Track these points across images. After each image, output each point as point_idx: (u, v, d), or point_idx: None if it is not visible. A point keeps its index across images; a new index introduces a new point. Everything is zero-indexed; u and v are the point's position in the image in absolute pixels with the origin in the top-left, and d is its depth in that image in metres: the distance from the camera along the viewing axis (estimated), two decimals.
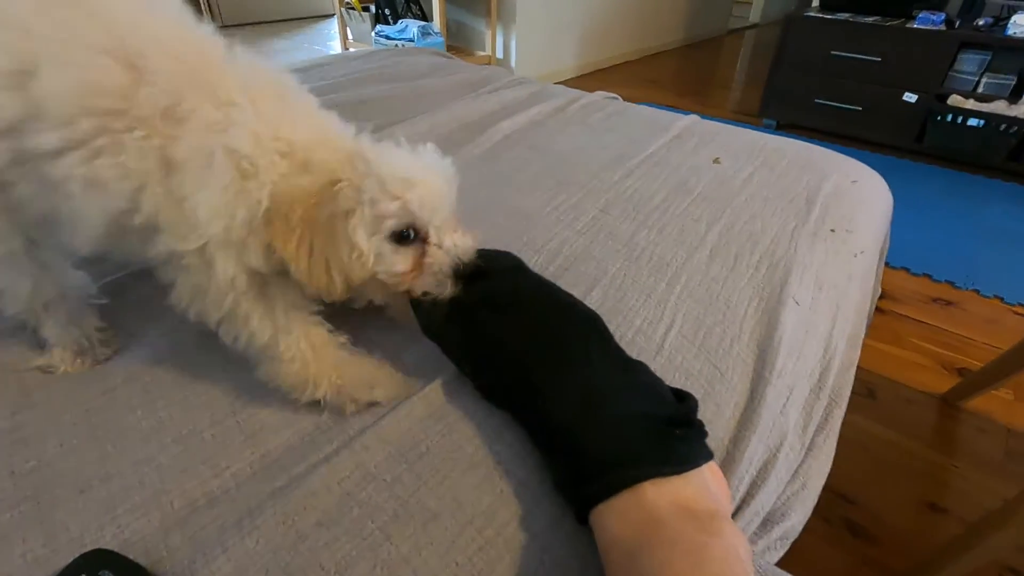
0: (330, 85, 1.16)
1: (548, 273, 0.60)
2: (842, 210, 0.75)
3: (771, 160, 0.88)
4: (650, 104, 1.23)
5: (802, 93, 2.55)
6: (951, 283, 1.55)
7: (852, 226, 0.73)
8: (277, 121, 0.40)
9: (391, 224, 0.40)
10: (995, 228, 1.85)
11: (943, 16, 2.20)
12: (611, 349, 0.43)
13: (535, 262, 0.62)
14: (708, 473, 0.36)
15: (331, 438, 0.41)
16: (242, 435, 0.42)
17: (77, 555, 0.33)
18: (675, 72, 3.78)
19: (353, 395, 0.43)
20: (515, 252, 0.62)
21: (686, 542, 0.30)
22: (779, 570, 0.39)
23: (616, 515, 0.33)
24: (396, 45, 2.63)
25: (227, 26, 4.42)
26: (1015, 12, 2.07)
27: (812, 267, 0.63)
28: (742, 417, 0.46)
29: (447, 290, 0.42)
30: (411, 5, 3.00)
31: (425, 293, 0.43)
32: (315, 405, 0.44)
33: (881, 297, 1.28)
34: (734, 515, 0.42)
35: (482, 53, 3.08)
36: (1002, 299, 1.49)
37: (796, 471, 0.49)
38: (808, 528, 0.48)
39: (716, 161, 0.87)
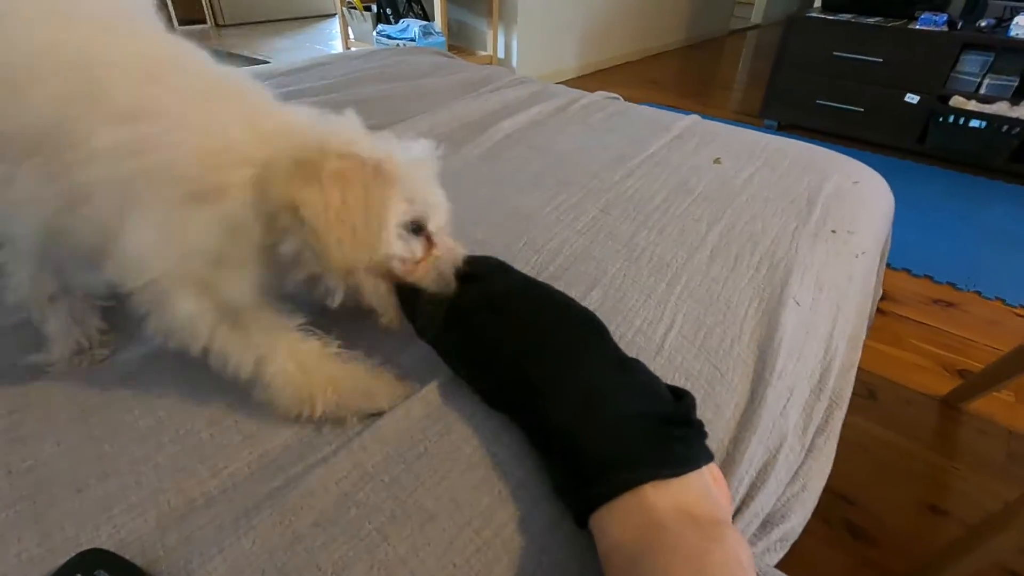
0: (331, 84, 1.16)
1: (548, 273, 0.60)
2: (843, 211, 0.75)
3: (772, 160, 0.88)
4: (651, 104, 1.23)
5: (804, 94, 2.55)
6: (952, 285, 1.54)
7: (853, 227, 0.73)
8: (243, 123, 0.37)
9: (412, 212, 0.40)
10: (997, 230, 1.84)
11: (945, 17, 2.20)
12: (608, 348, 0.42)
13: (535, 262, 0.61)
14: (709, 476, 0.35)
15: (329, 439, 0.41)
16: (240, 435, 0.41)
17: (73, 554, 0.33)
18: (676, 72, 3.77)
19: (352, 407, 0.42)
20: (515, 252, 0.63)
21: (688, 548, 0.29)
22: (779, 572, 0.39)
23: (617, 519, 0.32)
24: (397, 44, 2.63)
25: (228, 25, 4.43)
26: (1018, 13, 2.07)
27: (813, 268, 0.63)
28: (742, 418, 0.46)
29: (450, 287, 0.42)
30: (413, 5, 3.00)
31: (420, 294, 0.43)
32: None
33: (882, 298, 1.28)
34: (734, 516, 0.42)
35: (483, 53, 3.08)
36: (1004, 301, 1.48)
37: (796, 472, 0.48)
38: (808, 530, 0.47)
39: (717, 161, 0.87)
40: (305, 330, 0.44)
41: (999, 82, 2.12)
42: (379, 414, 0.43)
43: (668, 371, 0.48)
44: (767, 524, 0.46)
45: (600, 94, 1.17)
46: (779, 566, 0.45)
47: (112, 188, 0.33)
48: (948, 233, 1.80)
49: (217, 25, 4.40)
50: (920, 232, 1.78)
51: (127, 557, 0.33)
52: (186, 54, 0.41)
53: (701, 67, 3.96)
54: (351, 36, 3.25)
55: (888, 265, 1.10)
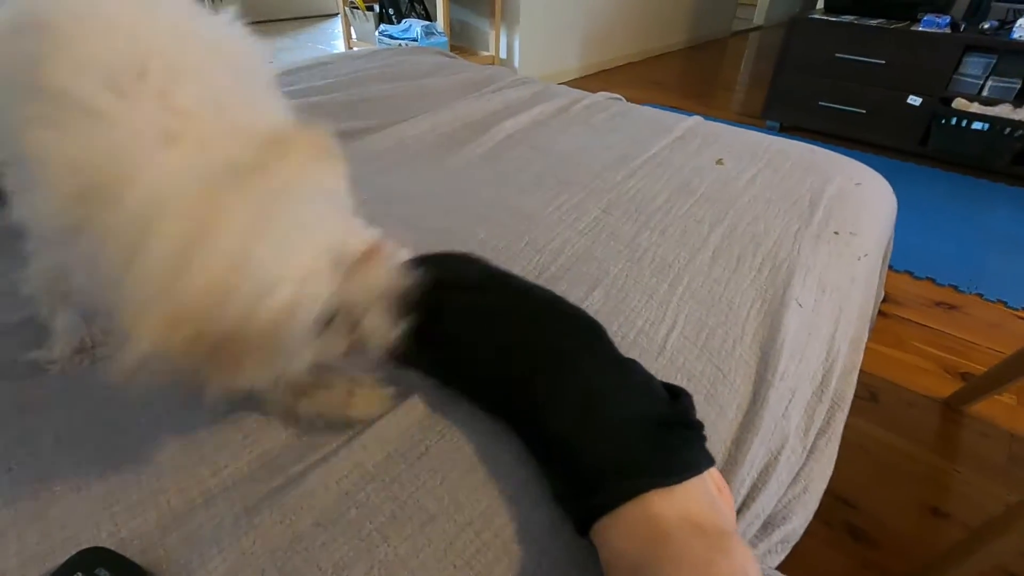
0: (333, 84, 1.16)
1: (550, 273, 0.59)
2: (846, 212, 0.75)
3: (775, 162, 0.87)
4: (653, 105, 1.22)
5: (806, 95, 2.55)
6: (954, 287, 1.54)
7: (856, 229, 0.72)
8: None
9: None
10: (999, 232, 1.84)
11: (948, 19, 2.20)
12: (602, 347, 0.42)
13: (537, 262, 0.61)
14: (712, 484, 0.35)
15: (329, 438, 0.41)
16: (240, 434, 0.41)
17: (74, 553, 0.33)
18: (678, 73, 3.77)
19: (331, 418, 0.41)
20: (517, 252, 0.63)
21: (693, 559, 0.29)
22: (780, 574, 0.39)
23: (620, 528, 0.32)
24: (400, 44, 2.63)
25: None
26: (1021, 15, 2.07)
27: (815, 269, 0.63)
28: (744, 419, 0.46)
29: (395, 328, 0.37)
30: (415, 5, 3.00)
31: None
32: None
33: (884, 300, 1.28)
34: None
35: (485, 53, 3.08)
36: (1006, 303, 1.48)
37: (798, 474, 0.48)
38: (809, 531, 0.47)
39: (719, 162, 0.87)
40: None
41: (1002, 84, 2.12)
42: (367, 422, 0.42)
43: (670, 372, 0.48)
44: (768, 526, 0.45)
45: (602, 95, 1.17)
46: (780, 568, 0.45)
47: None
48: (950, 236, 1.80)
49: None
50: (922, 234, 1.77)
51: (128, 556, 0.33)
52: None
53: (703, 68, 3.95)
54: (353, 36, 3.25)
55: (890, 267, 1.09)
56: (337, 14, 3.85)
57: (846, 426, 0.54)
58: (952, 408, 1.16)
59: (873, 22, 2.35)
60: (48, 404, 0.43)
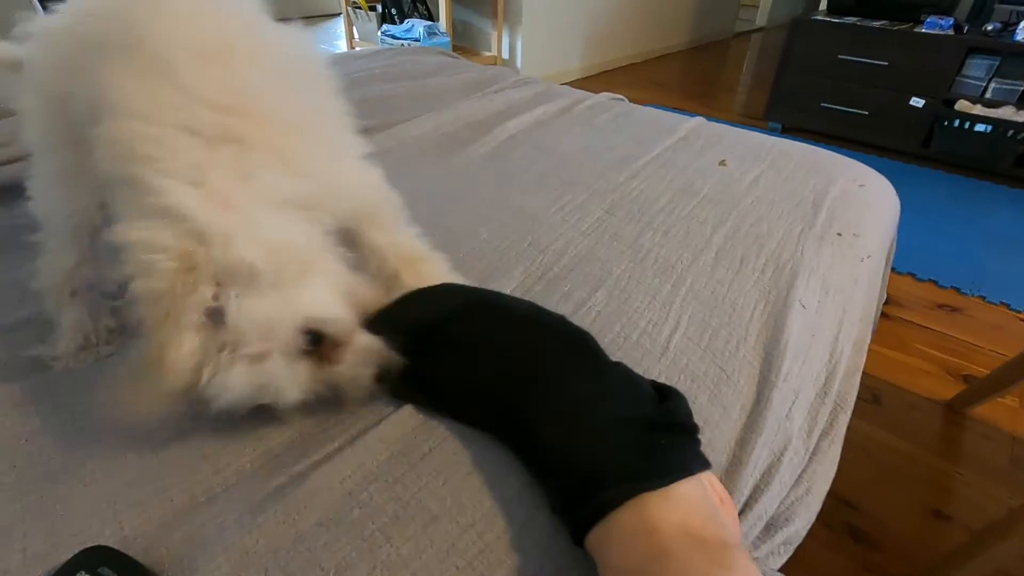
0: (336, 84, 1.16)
1: (552, 273, 0.59)
2: (849, 214, 0.75)
3: (778, 163, 0.87)
4: (655, 106, 1.22)
5: (808, 97, 2.54)
6: (957, 289, 1.54)
7: (859, 230, 0.72)
8: None
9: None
10: (1002, 234, 1.84)
11: (951, 21, 2.19)
12: (585, 354, 0.41)
13: (540, 262, 0.61)
14: (712, 492, 0.34)
15: (333, 436, 0.41)
16: (243, 432, 0.41)
17: (77, 551, 0.33)
18: (680, 74, 3.77)
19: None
20: (520, 252, 0.63)
21: (695, 575, 0.28)
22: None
23: (616, 540, 0.31)
24: (402, 44, 2.63)
25: None
26: None
27: (819, 271, 0.63)
28: (748, 420, 0.46)
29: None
30: (417, 5, 3.00)
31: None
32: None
33: (886, 302, 1.28)
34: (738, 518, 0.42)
35: (488, 53, 3.08)
36: (1008, 306, 1.48)
37: (800, 476, 0.48)
38: (810, 533, 0.47)
39: (722, 163, 0.87)
40: None
41: (1005, 86, 2.12)
42: (380, 408, 0.43)
43: (673, 373, 0.48)
44: (771, 527, 0.45)
45: (605, 95, 1.17)
46: (782, 570, 0.45)
47: None
48: (953, 238, 1.80)
49: None
50: (925, 236, 1.77)
51: (131, 554, 0.33)
52: None
53: (705, 69, 3.95)
54: (356, 36, 3.25)
55: (892, 269, 1.09)
56: (339, 14, 3.85)
57: (848, 428, 0.53)
58: (954, 410, 1.16)
59: (876, 23, 2.34)
60: (53, 402, 0.44)
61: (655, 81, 3.54)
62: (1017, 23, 2.08)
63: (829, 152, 0.94)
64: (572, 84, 2.97)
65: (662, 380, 0.41)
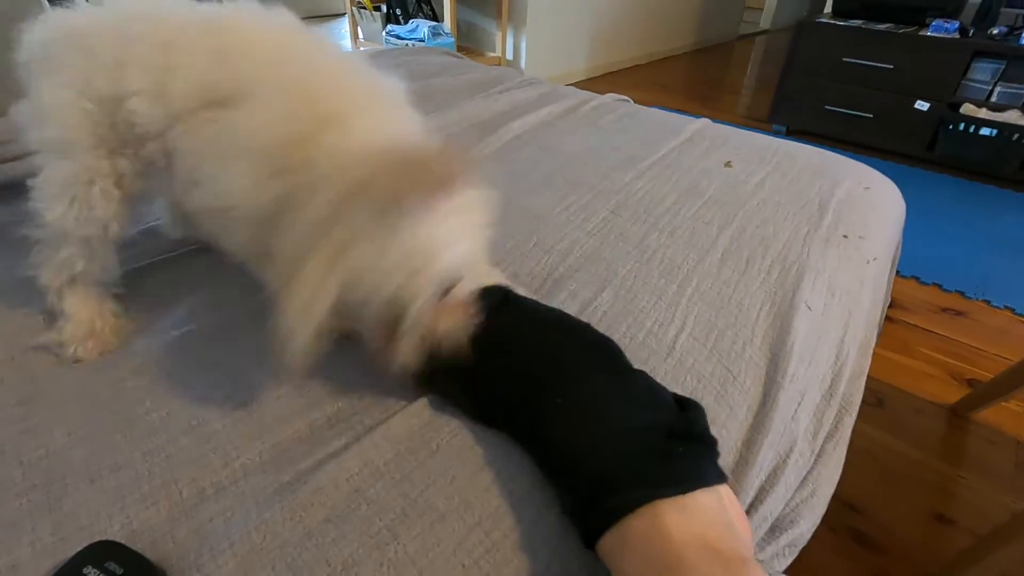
0: None
1: (558, 273, 0.60)
2: (855, 216, 0.75)
3: (783, 165, 0.87)
4: (659, 108, 1.22)
5: (812, 99, 2.54)
6: (961, 293, 1.53)
7: (865, 232, 0.72)
8: None
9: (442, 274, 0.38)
10: (1006, 238, 1.83)
11: (957, 24, 2.19)
12: (608, 359, 0.41)
13: (545, 262, 0.61)
14: (730, 505, 0.33)
15: (340, 432, 0.41)
16: (252, 425, 0.41)
17: (84, 545, 0.33)
18: (685, 76, 3.77)
19: None
20: (525, 252, 0.63)
21: None
22: None
23: (630, 547, 0.30)
24: (406, 45, 2.64)
25: None
26: None
27: (825, 272, 0.63)
28: (754, 420, 0.46)
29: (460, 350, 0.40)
30: (422, 5, 3.01)
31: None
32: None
33: (890, 306, 1.27)
34: None
35: (492, 54, 3.08)
36: (1013, 310, 1.47)
37: (805, 478, 0.48)
38: (814, 536, 0.47)
39: (728, 165, 0.87)
40: None
41: (1010, 90, 2.11)
42: (387, 406, 0.43)
43: (680, 373, 0.48)
44: (776, 529, 0.45)
45: (610, 96, 1.17)
46: (786, 572, 0.45)
47: None
48: (957, 241, 1.79)
49: None
50: (929, 240, 1.77)
51: (138, 548, 0.33)
52: None
53: (709, 71, 3.95)
54: (360, 36, 3.25)
55: (897, 272, 1.09)
56: (344, 14, 3.85)
57: (852, 431, 0.53)
58: (958, 415, 1.16)
59: (881, 26, 2.34)
60: (59, 397, 0.44)
61: (659, 83, 3.54)
62: (1023, 27, 2.07)
63: (835, 154, 0.94)
64: (576, 85, 2.97)
65: (668, 380, 0.41)
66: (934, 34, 2.20)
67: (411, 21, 2.84)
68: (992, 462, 1.06)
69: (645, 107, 1.15)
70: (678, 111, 2.53)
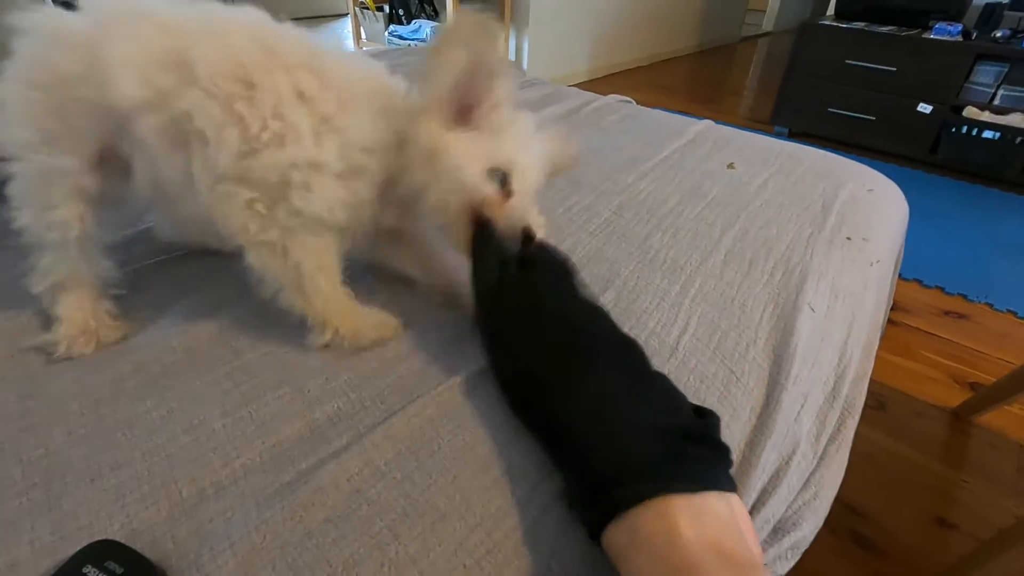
0: None
1: None
2: (858, 218, 0.75)
3: (786, 166, 0.87)
4: (661, 109, 1.22)
5: (815, 101, 2.54)
6: (964, 296, 1.53)
7: (868, 235, 0.72)
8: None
9: (498, 162, 0.46)
10: (1009, 241, 1.83)
11: (960, 27, 2.19)
12: (631, 359, 0.41)
13: None
14: (740, 517, 0.33)
15: (341, 432, 0.41)
16: (252, 425, 0.41)
17: (84, 544, 0.32)
18: (687, 78, 3.77)
19: (370, 336, 0.48)
20: None
21: None
22: None
23: (639, 548, 0.30)
24: (409, 45, 2.64)
25: None
26: None
27: (828, 274, 0.62)
28: (758, 422, 0.46)
29: (518, 239, 0.46)
30: (425, 6, 3.01)
31: (488, 241, 0.45)
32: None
33: (893, 308, 1.27)
34: None
35: None
36: (1015, 314, 1.47)
37: (808, 480, 0.48)
38: (815, 539, 0.47)
39: (731, 166, 0.87)
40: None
41: (1014, 93, 2.11)
42: (387, 406, 0.43)
43: (683, 373, 0.48)
44: (778, 531, 0.45)
45: (613, 97, 1.17)
46: (787, 575, 0.44)
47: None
48: (960, 244, 1.79)
49: None
50: (932, 243, 1.76)
51: (137, 548, 0.33)
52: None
53: (712, 73, 3.95)
54: (363, 36, 3.26)
55: (899, 275, 1.09)
56: (347, 14, 3.86)
57: (854, 434, 0.53)
58: (961, 418, 1.15)
59: (884, 29, 2.34)
60: (58, 395, 0.44)
61: (661, 84, 3.54)
62: None
63: (838, 156, 0.94)
64: (578, 86, 2.97)
65: (671, 380, 0.41)
66: (937, 37, 2.20)
67: (414, 22, 2.84)
68: (994, 466, 1.06)
69: (647, 108, 1.15)
70: (680, 113, 2.53)
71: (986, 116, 2.14)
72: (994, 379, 1.17)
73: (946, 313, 1.47)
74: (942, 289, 1.55)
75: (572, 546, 0.35)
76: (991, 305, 1.50)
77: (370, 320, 0.50)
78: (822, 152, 0.95)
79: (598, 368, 0.39)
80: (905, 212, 0.88)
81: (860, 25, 2.40)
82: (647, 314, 0.54)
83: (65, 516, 0.35)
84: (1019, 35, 2.11)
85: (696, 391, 0.46)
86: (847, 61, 2.40)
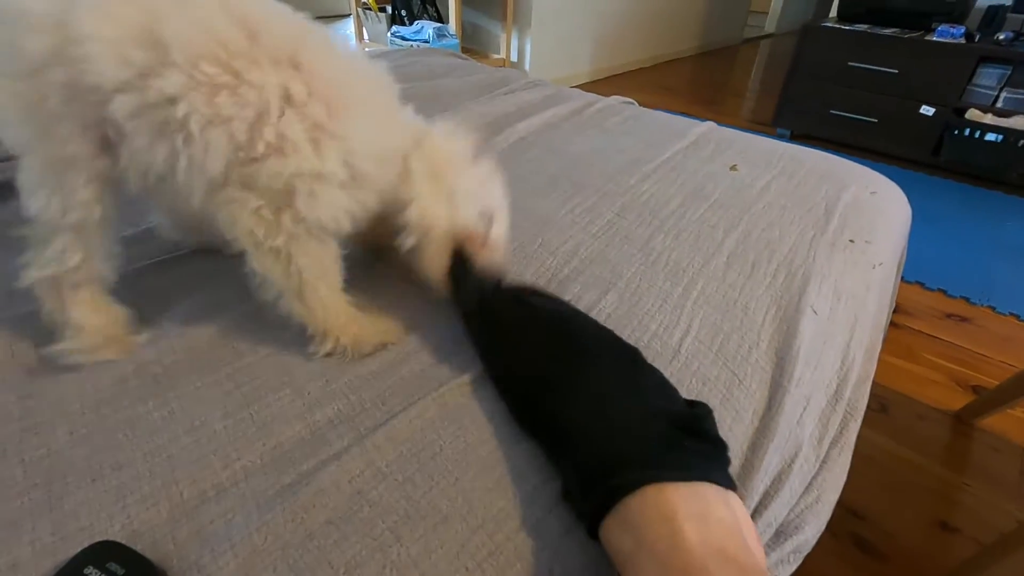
0: None
1: (563, 275, 0.59)
2: (861, 221, 0.74)
3: (789, 169, 0.87)
4: (663, 111, 1.22)
5: (817, 103, 2.53)
6: (966, 299, 1.52)
7: (871, 237, 0.72)
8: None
9: (485, 205, 0.50)
10: (1012, 244, 1.82)
11: (963, 29, 2.18)
12: (622, 351, 0.42)
13: (550, 264, 0.61)
14: (743, 521, 0.32)
15: (342, 433, 0.41)
16: (254, 427, 0.41)
17: (85, 545, 0.32)
18: (689, 79, 3.77)
19: (371, 341, 0.49)
20: (530, 253, 0.63)
21: None
22: None
23: (649, 557, 0.30)
24: (411, 46, 2.64)
25: None
26: None
27: (831, 277, 0.62)
28: (760, 424, 0.45)
29: (499, 277, 0.48)
30: (427, 6, 3.01)
31: (470, 271, 0.47)
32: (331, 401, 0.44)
33: (895, 311, 1.27)
34: None
35: (497, 56, 3.08)
36: (1018, 317, 1.47)
37: (810, 483, 0.48)
38: (816, 542, 0.47)
39: (733, 168, 0.87)
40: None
41: (1017, 96, 2.10)
42: (389, 408, 0.43)
43: (685, 376, 0.48)
44: (780, 534, 0.45)
45: (615, 98, 1.17)
46: None
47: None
48: (962, 247, 1.78)
49: None
50: (934, 245, 1.76)
51: (138, 549, 0.33)
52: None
53: (714, 75, 3.95)
54: (365, 37, 3.26)
55: (902, 278, 1.08)
56: (349, 15, 3.86)
57: (856, 437, 0.53)
58: (963, 421, 1.15)
59: (887, 31, 2.33)
60: (59, 396, 0.43)
61: (664, 86, 3.54)
62: None
63: (841, 159, 0.94)
64: (580, 87, 2.97)
65: (673, 383, 0.41)
66: (940, 39, 2.20)
67: (416, 22, 2.84)
68: (997, 470, 1.05)
69: (650, 110, 1.15)
70: (682, 114, 2.52)
71: (989, 119, 2.14)
72: (996, 382, 1.17)
73: (948, 316, 1.47)
74: (944, 292, 1.55)
75: (574, 548, 0.35)
76: (994, 308, 1.49)
77: (372, 327, 0.49)
78: (824, 154, 0.95)
79: (597, 363, 0.39)
80: (907, 214, 0.87)
81: (863, 27, 2.40)
82: (649, 316, 0.54)
83: (66, 516, 0.35)
84: (1022, 37, 2.10)
85: (699, 394, 0.46)
86: (850, 63, 2.39)
